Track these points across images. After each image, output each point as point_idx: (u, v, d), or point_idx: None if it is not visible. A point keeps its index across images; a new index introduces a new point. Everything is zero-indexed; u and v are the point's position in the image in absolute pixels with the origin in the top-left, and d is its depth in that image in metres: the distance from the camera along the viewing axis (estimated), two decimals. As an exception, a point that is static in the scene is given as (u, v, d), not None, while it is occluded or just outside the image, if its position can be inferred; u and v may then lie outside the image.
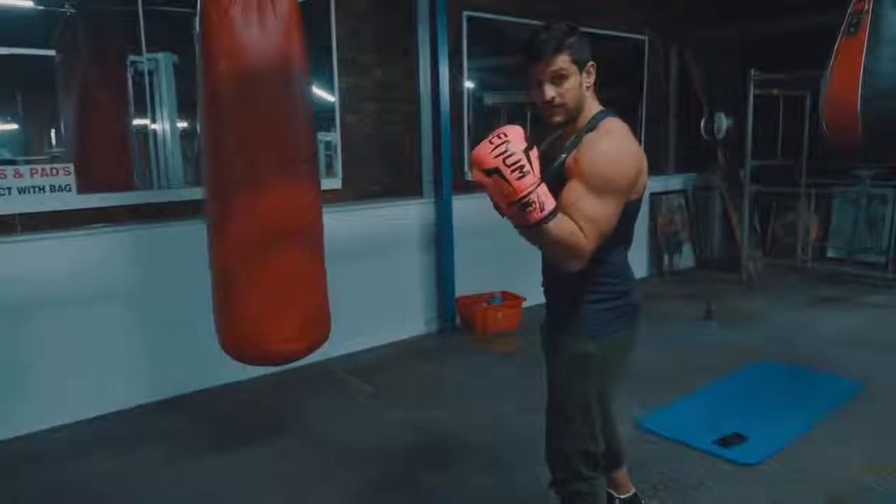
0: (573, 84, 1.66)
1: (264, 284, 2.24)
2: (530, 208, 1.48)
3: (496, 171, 1.47)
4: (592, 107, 1.75)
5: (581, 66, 1.67)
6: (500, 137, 1.49)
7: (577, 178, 1.61)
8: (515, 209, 1.49)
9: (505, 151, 1.47)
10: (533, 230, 1.52)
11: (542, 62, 1.65)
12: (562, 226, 1.53)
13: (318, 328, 2.44)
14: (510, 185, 1.47)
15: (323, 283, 2.46)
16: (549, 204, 1.50)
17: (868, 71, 2.64)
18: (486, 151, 1.49)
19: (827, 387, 3.60)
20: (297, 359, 2.42)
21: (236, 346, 2.36)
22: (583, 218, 1.56)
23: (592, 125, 1.71)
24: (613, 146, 1.65)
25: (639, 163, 1.68)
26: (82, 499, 2.68)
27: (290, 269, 2.28)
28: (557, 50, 1.64)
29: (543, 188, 1.50)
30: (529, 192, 1.47)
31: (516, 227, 1.57)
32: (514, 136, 1.50)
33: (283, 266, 2.26)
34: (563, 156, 1.68)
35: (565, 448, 1.88)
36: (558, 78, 1.65)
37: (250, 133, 2.18)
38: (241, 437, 3.17)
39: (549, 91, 1.66)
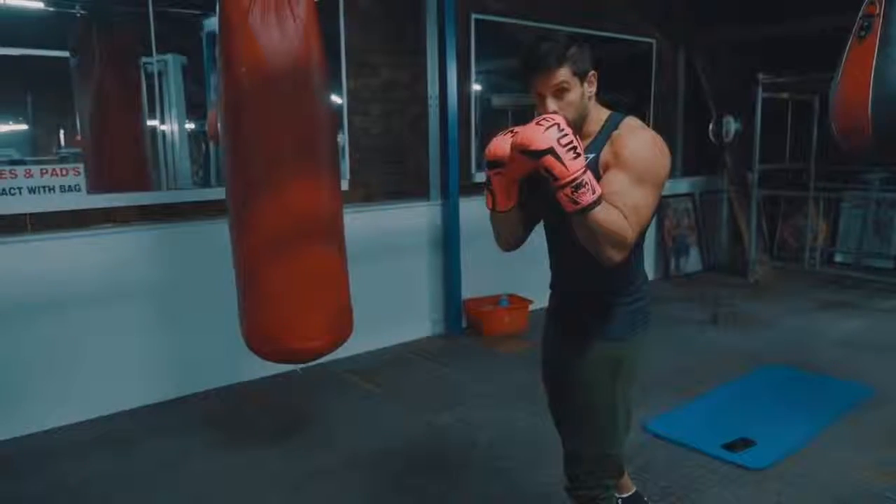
0: (575, 97, 1.64)
1: (290, 283, 2.27)
2: (583, 189, 1.47)
3: (550, 151, 1.45)
4: (599, 112, 1.73)
5: (582, 77, 1.65)
6: (548, 120, 1.48)
7: (618, 169, 1.60)
8: (568, 191, 1.47)
9: (559, 131, 1.47)
10: (582, 215, 1.50)
11: (543, 75, 1.62)
12: (610, 211, 1.52)
13: (343, 324, 2.47)
14: (564, 165, 1.45)
15: (346, 281, 2.48)
16: (598, 188, 1.50)
17: (879, 74, 2.63)
18: (539, 132, 1.47)
19: (835, 391, 3.58)
20: (322, 355, 2.45)
21: (262, 343, 2.38)
22: (627, 207, 1.55)
23: (614, 124, 1.69)
24: (651, 137, 1.65)
25: (669, 156, 1.68)
26: (83, 499, 2.69)
27: (314, 268, 2.31)
28: (559, 63, 1.61)
29: (590, 173, 1.50)
30: (584, 173, 1.47)
31: (568, 211, 1.52)
32: (562, 121, 1.50)
33: (306, 264, 2.29)
34: (591, 155, 1.66)
35: (589, 452, 1.85)
36: (560, 91, 1.63)
37: (271, 134, 2.20)
38: (243, 437, 3.17)
39: (552, 105, 1.63)
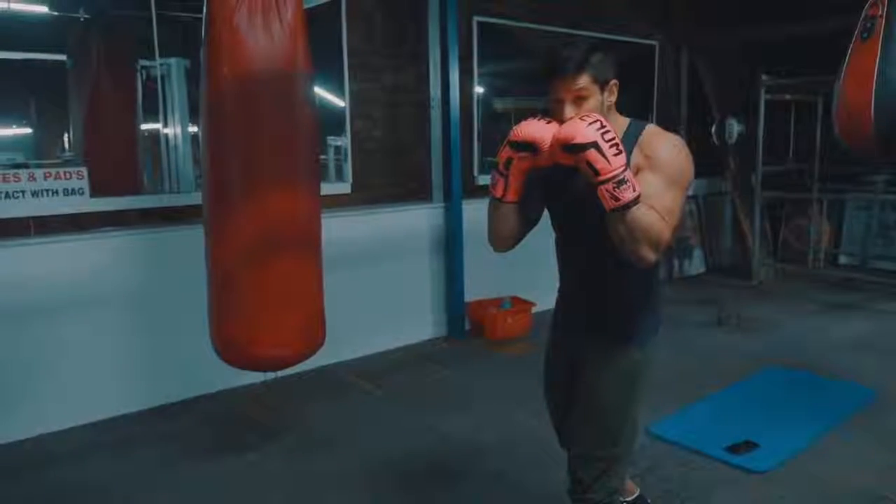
0: (593, 105, 1.61)
1: (261, 290, 2.23)
2: (625, 186, 1.48)
3: (594, 145, 1.46)
4: (619, 120, 1.72)
5: (603, 85, 1.63)
6: (589, 116, 1.51)
7: (651, 171, 1.61)
8: (610, 187, 1.48)
9: (602, 127, 1.48)
10: (622, 212, 1.50)
11: (563, 81, 1.60)
12: (648, 211, 1.52)
13: (313, 334, 2.43)
14: (607, 160, 1.47)
15: (319, 290, 2.44)
16: (638, 186, 1.51)
17: (882, 75, 2.63)
18: (583, 126, 1.48)
19: (839, 394, 3.57)
20: (290, 365, 2.41)
21: (230, 350, 2.36)
22: (663, 208, 1.56)
23: (637, 130, 1.69)
24: (678, 142, 1.68)
25: (692, 160, 1.70)
26: (83, 501, 2.69)
27: (288, 275, 2.27)
28: (579, 70, 1.58)
29: (630, 171, 1.51)
30: (624, 170, 1.48)
31: (609, 209, 1.51)
32: (603, 119, 1.52)
33: (280, 272, 2.25)
34: None
35: (600, 454, 1.83)
36: (579, 98, 1.60)
37: (252, 139, 2.17)
38: (244, 440, 3.17)
39: (570, 111, 1.60)
